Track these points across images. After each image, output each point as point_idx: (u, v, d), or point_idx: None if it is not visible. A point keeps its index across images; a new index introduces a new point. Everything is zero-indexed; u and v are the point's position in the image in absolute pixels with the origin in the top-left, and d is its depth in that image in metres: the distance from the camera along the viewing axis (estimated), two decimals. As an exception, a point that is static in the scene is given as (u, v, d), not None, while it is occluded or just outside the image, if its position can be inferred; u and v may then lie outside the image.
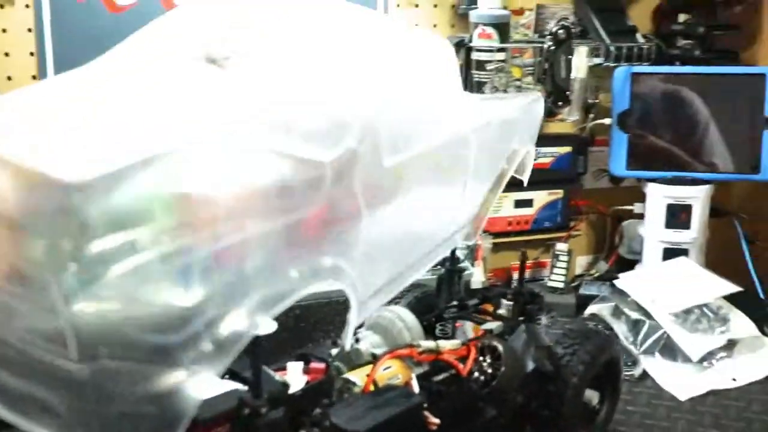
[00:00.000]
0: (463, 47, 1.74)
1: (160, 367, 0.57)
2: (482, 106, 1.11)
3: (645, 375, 1.52)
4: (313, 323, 1.31)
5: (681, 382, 1.49)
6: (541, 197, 1.95)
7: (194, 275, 0.58)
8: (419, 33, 1.00)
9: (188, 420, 0.58)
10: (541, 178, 1.91)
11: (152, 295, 0.56)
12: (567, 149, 1.93)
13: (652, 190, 1.83)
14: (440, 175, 0.94)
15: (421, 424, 0.92)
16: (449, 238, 1.05)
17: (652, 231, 1.84)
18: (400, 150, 0.79)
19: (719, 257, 1.86)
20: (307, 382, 0.87)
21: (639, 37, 1.85)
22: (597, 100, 1.93)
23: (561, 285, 1.92)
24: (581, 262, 2.08)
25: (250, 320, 0.61)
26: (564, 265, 1.93)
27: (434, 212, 0.97)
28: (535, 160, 1.88)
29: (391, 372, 1.02)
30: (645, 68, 1.81)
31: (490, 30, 1.71)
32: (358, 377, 0.97)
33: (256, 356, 0.70)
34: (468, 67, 1.75)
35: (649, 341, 1.57)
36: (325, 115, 0.71)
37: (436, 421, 0.95)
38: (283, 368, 0.87)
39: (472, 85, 1.75)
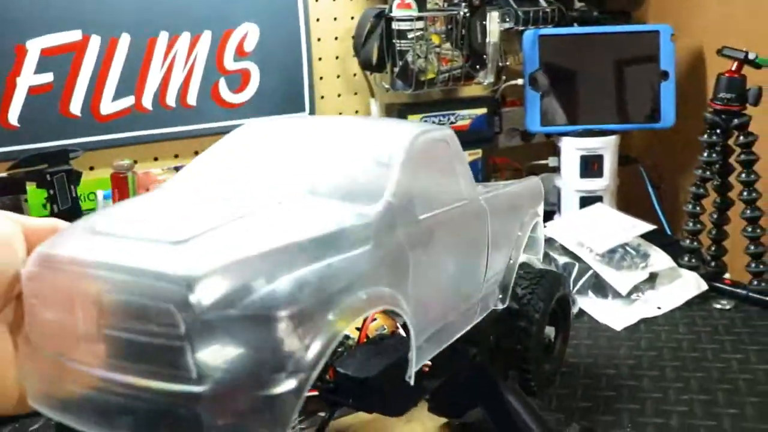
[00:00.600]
0: (383, 18, 1.78)
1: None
2: (488, 185, 1.21)
3: (582, 312, 1.64)
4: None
5: (614, 314, 1.62)
6: (462, 159, 2.03)
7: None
8: (410, 124, 1.10)
9: None
10: (461, 140, 1.98)
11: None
12: (483, 111, 2.02)
13: (565, 143, 1.95)
14: (466, 237, 1.03)
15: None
16: (484, 300, 1.12)
17: (568, 182, 1.97)
18: (429, 208, 0.91)
19: (629, 201, 2.01)
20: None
21: (542, 1, 1.96)
22: (507, 63, 2.03)
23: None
24: (501, 217, 2.18)
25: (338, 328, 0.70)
26: (490, 221, 2.03)
27: (466, 272, 1.04)
28: (453, 123, 1.99)
29: (377, 323, 1.07)
30: (550, 30, 1.92)
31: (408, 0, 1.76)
32: (349, 332, 1.01)
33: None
34: (389, 37, 1.80)
35: (581, 282, 1.69)
36: (361, 181, 0.86)
37: (428, 362, 1.00)
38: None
39: (394, 54, 1.81)
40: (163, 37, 1.68)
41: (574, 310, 1.64)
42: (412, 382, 0.90)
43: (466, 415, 1.22)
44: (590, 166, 1.93)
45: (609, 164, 1.93)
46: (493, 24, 1.84)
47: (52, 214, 1.44)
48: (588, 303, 1.66)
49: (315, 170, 0.87)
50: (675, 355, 1.45)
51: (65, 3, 1.57)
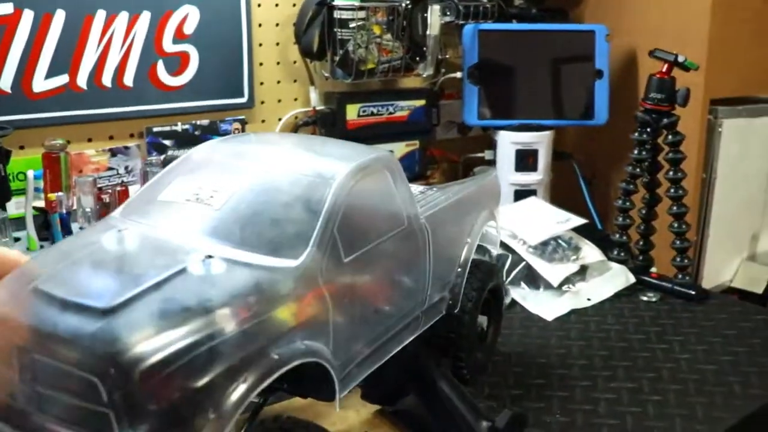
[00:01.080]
0: (324, 6, 1.77)
1: None
2: (432, 195, 1.24)
3: (514, 303, 1.67)
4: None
5: (546, 305, 1.65)
6: (400, 148, 2.04)
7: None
8: (357, 147, 1.13)
9: None
10: (399, 131, 2.02)
11: None
12: (421, 102, 2.03)
13: (501, 137, 1.98)
14: (402, 261, 1.07)
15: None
16: (429, 309, 1.16)
17: (503, 175, 1.98)
18: (358, 247, 0.95)
19: (562, 195, 2.05)
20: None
21: (483, -3, 1.98)
22: (447, 56, 2.05)
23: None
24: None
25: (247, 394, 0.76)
26: (426, 212, 2.04)
27: (401, 291, 1.08)
28: (392, 114, 2.00)
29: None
30: (490, 25, 1.95)
31: (351, -11, 1.76)
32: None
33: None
34: (331, 26, 1.79)
35: (514, 273, 1.72)
36: (287, 231, 0.91)
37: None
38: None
39: (335, 43, 1.80)
40: (101, 15, 1.62)
41: (507, 300, 1.66)
42: (337, 409, 0.95)
43: (399, 403, 1.23)
44: (525, 160, 1.97)
45: (543, 159, 1.97)
46: (434, 17, 1.86)
47: (-21, 193, 1.39)
48: (520, 294, 1.69)
49: (247, 217, 0.92)
50: (603, 344, 1.49)
51: (-4, -26, 1.51)
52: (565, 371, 1.39)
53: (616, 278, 1.76)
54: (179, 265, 0.83)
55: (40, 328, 0.75)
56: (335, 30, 1.78)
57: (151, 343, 0.72)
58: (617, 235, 1.80)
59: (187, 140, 1.75)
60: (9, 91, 1.56)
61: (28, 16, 1.55)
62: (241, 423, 0.90)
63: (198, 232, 0.91)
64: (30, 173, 1.49)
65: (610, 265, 1.79)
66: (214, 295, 0.79)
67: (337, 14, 1.77)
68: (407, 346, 1.15)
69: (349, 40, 1.79)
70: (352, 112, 1.94)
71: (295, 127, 1.94)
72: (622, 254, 1.79)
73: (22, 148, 1.58)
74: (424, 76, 1.96)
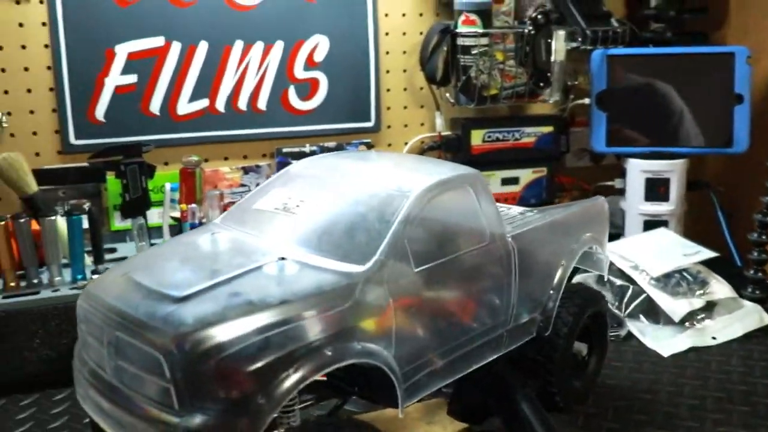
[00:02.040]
0: (448, 33, 1.80)
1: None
2: (529, 216, 1.25)
3: (630, 336, 1.59)
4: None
5: (664, 341, 1.56)
6: (526, 175, 2.01)
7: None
8: (447, 165, 1.17)
9: None
10: (525, 157, 1.99)
11: None
12: (549, 129, 1.99)
13: (631, 165, 1.90)
14: (483, 277, 1.07)
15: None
16: (516, 329, 1.15)
17: (632, 204, 1.91)
18: (431, 259, 0.98)
19: (697, 228, 1.93)
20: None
21: (613, 21, 1.92)
22: (576, 82, 2.01)
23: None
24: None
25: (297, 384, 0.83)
26: (551, 240, 2.00)
27: (480, 307, 1.08)
28: (518, 140, 1.98)
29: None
30: (620, 50, 1.89)
31: (473, 16, 1.77)
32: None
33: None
34: (454, 52, 1.82)
35: (633, 305, 1.64)
36: (359, 239, 0.96)
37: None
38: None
39: (458, 69, 1.82)
40: (238, 45, 1.76)
41: (622, 332, 1.59)
42: (401, 414, 0.96)
43: (487, 422, 1.21)
44: (656, 189, 1.87)
45: (676, 188, 1.86)
46: (559, 42, 1.83)
47: (124, 202, 1.54)
48: (638, 327, 1.60)
49: (325, 225, 1.00)
50: (721, 386, 1.38)
51: (151, 12, 1.68)
52: (672, 409, 1.30)
53: (748, 317, 1.62)
54: (254, 264, 0.91)
55: (123, 309, 0.86)
56: (458, 56, 1.81)
57: (212, 329, 0.80)
58: (752, 271, 1.66)
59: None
60: (158, 113, 1.74)
61: (176, 48, 1.72)
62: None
63: (280, 238, 0.99)
64: (167, 186, 1.64)
65: (743, 303, 1.66)
66: (277, 292, 0.86)
67: (460, 41, 1.80)
68: (494, 365, 1.14)
69: (471, 66, 1.81)
70: (477, 137, 1.94)
71: (421, 151, 1.98)
72: (757, 292, 1.66)
73: (166, 164, 1.74)
74: (551, 102, 1.93)
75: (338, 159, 1.20)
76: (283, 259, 0.92)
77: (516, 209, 1.33)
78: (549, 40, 1.81)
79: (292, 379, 0.81)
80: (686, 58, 1.87)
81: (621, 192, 1.97)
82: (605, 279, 1.71)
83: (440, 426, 1.25)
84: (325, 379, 1.03)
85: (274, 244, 0.97)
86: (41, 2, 1.62)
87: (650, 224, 1.89)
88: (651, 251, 1.74)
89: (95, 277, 1.46)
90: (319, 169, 1.14)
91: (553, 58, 1.84)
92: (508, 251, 1.10)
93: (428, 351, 0.99)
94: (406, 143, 1.97)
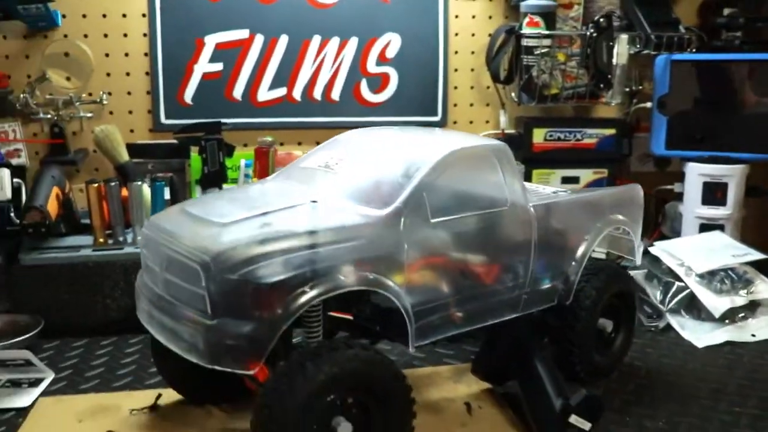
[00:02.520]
0: (513, 34, 1.90)
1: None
2: (560, 194, 1.34)
3: (669, 328, 1.62)
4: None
5: (700, 333, 1.58)
6: (587, 175, 2.06)
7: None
8: (477, 138, 1.28)
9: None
10: (586, 157, 2.05)
11: None
12: (611, 131, 2.04)
13: (689, 168, 1.92)
14: (498, 238, 1.17)
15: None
16: (535, 294, 1.24)
17: (689, 207, 1.93)
18: (447, 213, 1.09)
19: (754, 234, 1.93)
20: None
21: (681, 28, 1.96)
22: (641, 87, 2.05)
23: (602, 255, 2.02)
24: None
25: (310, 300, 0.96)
26: (607, 239, 2.04)
27: (496, 265, 1.17)
28: (579, 140, 2.04)
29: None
30: (683, 56, 1.92)
31: (537, 18, 1.86)
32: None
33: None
34: (518, 52, 1.91)
35: (676, 300, 1.67)
36: (384, 189, 1.09)
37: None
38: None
39: (521, 68, 1.91)
40: (316, 40, 1.92)
41: (660, 324, 1.63)
42: (411, 350, 1.07)
43: (508, 385, 1.29)
44: (713, 193, 1.89)
45: (734, 193, 1.87)
46: (622, 46, 1.88)
47: (203, 175, 1.72)
48: (679, 321, 1.64)
49: (357, 178, 1.14)
50: (748, 375, 1.41)
51: (238, 6, 1.87)
52: (692, 390, 1.34)
53: (793, 319, 1.62)
54: (289, 204, 1.06)
55: (175, 231, 1.03)
56: (522, 56, 1.90)
57: (242, 248, 0.95)
58: (802, 275, 1.66)
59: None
60: (240, 99, 1.92)
61: (259, 40, 1.89)
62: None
63: (317, 187, 1.13)
64: (242, 162, 1.81)
65: (790, 305, 1.66)
66: (304, 225, 1.00)
67: (524, 41, 1.88)
68: (515, 329, 1.23)
69: (533, 66, 1.89)
70: (538, 135, 2.02)
71: (483, 148, 2.07)
72: (806, 296, 1.65)
73: (245, 145, 1.92)
74: (613, 104, 1.98)
75: (381, 130, 1.32)
76: (314, 201, 1.05)
77: (549, 189, 1.41)
78: (610, 44, 1.87)
79: (306, 296, 0.94)
80: (750, 64, 1.89)
81: (680, 196, 1.99)
82: (653, 275, 1.76)
83: (465, 385, 1.34)
84: (352, 318, 1.15)
85: (311, 192, 1.11)
86: (143, -4, 1.84)
87: (706, 228, 1.90)
88: (700, 250, 1.76)
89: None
90: (362, 137, 1.27)
91: (615, 62, 1.90)
92: (527, 218, 1.19)
93: (441, 297, 1.09)
94: (470, 139, 2.07)
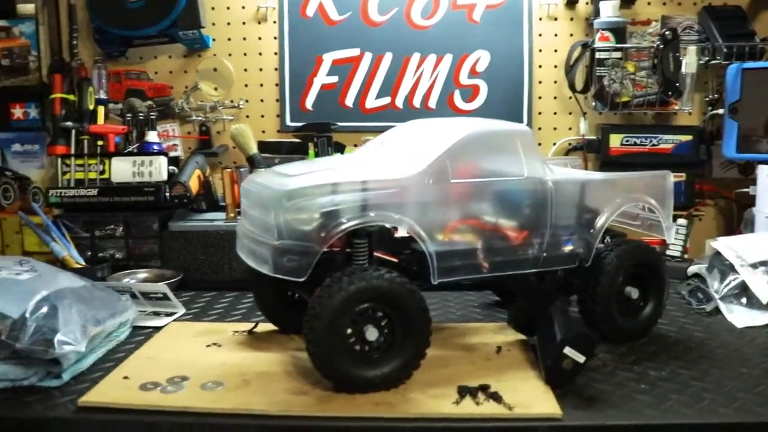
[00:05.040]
0: (587, 48, 2.09)
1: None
2: (584, 174, 1.55)
3: (716, 312, 1.71)
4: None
5: (742, 315, 1.67)
6: (664, 179, 2.18)
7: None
8: (502, 123, 1.49)
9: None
10: (662, 162, 2.17)
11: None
12: (687, 138, 2.15)
13: (761, 170, 1.99)
14: (512, 199, 1.38)
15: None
16: (555, 254, 1.42)
17: (761, 208, 1.99)
18: (467, 176, 1.32)
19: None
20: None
21: (757, 39, 2.05)
22: (717, 96, 2.15)
23: (678, 254, 2.13)
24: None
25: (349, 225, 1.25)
26: (682, 237, 2.14)
27: (515, 223, 1.38)
28: (655, 145, 2.16)
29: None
30: (755, 64, 2.01)
31: (608, 33, 2.04)
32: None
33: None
34: (592, 64, 2.09)
35: (729, 287, 1.75)
36: (418, 157, 1.33)
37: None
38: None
39: (593, 79, 2.09)
40: (416, 57, 2.21)
41: (708, 307, 1.73)
42: (435, 282, 1.32)
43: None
44: (783, 193, 1.95)
45: (803, 193, 1.93)
46: (691, 56, 2.01)
47: (314, 167, 2.05)
48: (728, 306, 1.72)
49: (399, 151, 1.41)
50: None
51: (350, 29, 2.20)
52: (713, 360, 1.41)
53: (844, 309, 1.66)
54: (344, 164, 1.35)
55: (262, 182, 1.33)
56: (594, 68, 2.08)
57: (299, 189, 1.24)
58: None
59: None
60: (351, 106, 2.24)
61: (367, 57, 2.22)
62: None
63: (371, 157, 1.42)
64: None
65: None
66: (351, 176, 1.28)
67: (597, 54, 2.07)
68: (542, 284, 1.44)
69: (604, 76, 2.06)
70: (615, 140, 2.17)
71: (566, 152, 2.25)
72: None
73: (355, 146, 2.23)
74: (684, 111, 2.10)
75: (429, 120, 1.56)
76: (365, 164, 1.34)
77: (579, 172, 1.60)
78: (677, 54, 2.01)
79: (344, 225, 1.22)
80: (818, 72, 1.95)
81: (754, 199, 2.06)
82: (713, 266, 1.86)
83: (504, 335, 1.54)
84: (396, 260, 1.41)
85: (364, 160, 1.39)
86: (274, 22, 2.22)
87: (777, 227, 1.96)
88: (757, 245, 1.83)
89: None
90: (416, 126, 1.52)
91: (684, 71, 2.03)
92: (544, 189, 1.39)
93: (461, 240, 1.31)
94: (554, 144, 2.26)
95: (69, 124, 2.09)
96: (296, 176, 1.30)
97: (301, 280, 1.23)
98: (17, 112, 2.27)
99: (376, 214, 1.24)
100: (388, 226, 1.29)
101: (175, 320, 1.67)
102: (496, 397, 1.21)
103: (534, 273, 1.43)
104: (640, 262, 1.51)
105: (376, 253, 1.39)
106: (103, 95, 2.21)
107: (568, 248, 1.44)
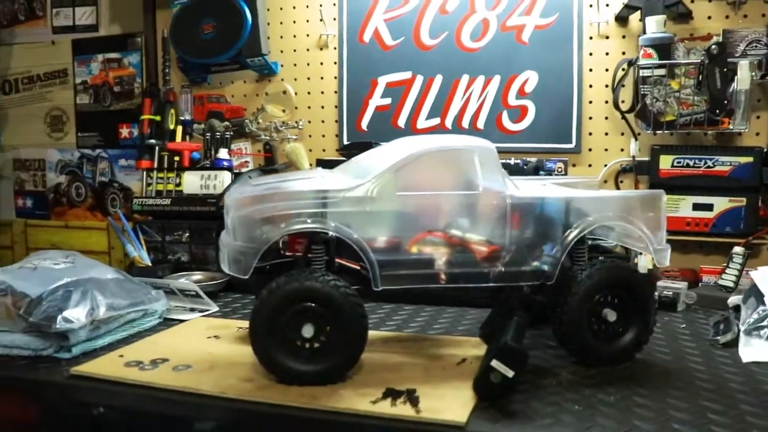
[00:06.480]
0: (631, 66, 2.01)
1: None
2: (557, 190, 1.53)
3: (733, 343, 1.58)
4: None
5: (756, 351, 1.53)
6: (722, 203, 2.03)
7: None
8: (466, 139, 1.49)
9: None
10: (718, 185, 2.02)
11: None
12: (748, 159, 1.98)
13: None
14: (461, 212, 1.41)
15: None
16: (515, 270, 1.41)
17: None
18: (412, 189, 1.38)
19: None
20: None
21: (824, 54, 1.87)
22: (779, 115, 1.97)
23: (731, 284, 1.96)
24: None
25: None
26: (737, 266, 1.97)
27: (465, 240, 1.40)
28: (710, 168, 2.03)
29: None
30: (816, 80, 1.83)
31: (650, 50, 1.95)
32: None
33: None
34: (636, 82, 2.01)
35: (754, 318, 1.61)
36: (372, 170, 1.39)
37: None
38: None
39: (637, 97, 2.01)
40: (465, 79, 2.25)
41: (722, 339, 1.60)
42: (377, 288, 1.37)
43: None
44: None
45: None
46: (743, 72, 1.86)
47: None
48: (746, 338, 1.58)
49: (360, 164, 1.47)
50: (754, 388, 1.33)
51: (403, 53, 2.28)
52: (702, 383, 1.34)
53: None
54: (308, 176, 1.46)
55: (231, 193, 1.44)
56: (639, 86, 1.99)
57: (247, 197, 1.38)
58: None
59: (514, 172, 2.20)
60: (403, 127, 2.32)
61: (419, 80, 2.28)
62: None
63: (339, 170, 1.52)
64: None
65: None
66: (290, 187, 1.38)
67: (640, 72, 1.98)
68: (510, 300, 1.44)
69: (647, 94, 1.97)
70: (665, 162, 2.06)
71: (617, 174, 2.17)
72: None
73: (405, 164, 2.31)
74: (736, 130, 1.94)
75: (407, 138, 1.57)
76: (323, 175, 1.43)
77: (564, 190, 1.54)
78: (725, 70, 1.87)
79: (283, 230, 1.33)
80: None
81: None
82: (749, 297, 1.71)
83: (478, 350, 1.53)
84: (358, 267, 1.47)
85: (331, 173, 1.48)
86: (335, 48, 2.36)
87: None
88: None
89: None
90: (393, 143, 1.55)
91: (737, 87, 1.88)
92: (501, 204, 1.38)
93: (407, 253, 1.36)
94: (605, 165, 2.18)
95: (152, 141, 2.38)
96: (255, 186, 1.42)
97: (245, 277, 1.34)
98: (124, 131, 2.61)
99: (313, 221, 1.33)
100: (330, 234, 1.36)
101: (203, 316, 1.85)
102: (413, 401, 1.24)
103: (496, 287, 1.44)
104: (616, 284, 1.45)
105: (339, 260, 1.48)
106: (188, 116, 2.48)
107: (533, 264, 1.42)
